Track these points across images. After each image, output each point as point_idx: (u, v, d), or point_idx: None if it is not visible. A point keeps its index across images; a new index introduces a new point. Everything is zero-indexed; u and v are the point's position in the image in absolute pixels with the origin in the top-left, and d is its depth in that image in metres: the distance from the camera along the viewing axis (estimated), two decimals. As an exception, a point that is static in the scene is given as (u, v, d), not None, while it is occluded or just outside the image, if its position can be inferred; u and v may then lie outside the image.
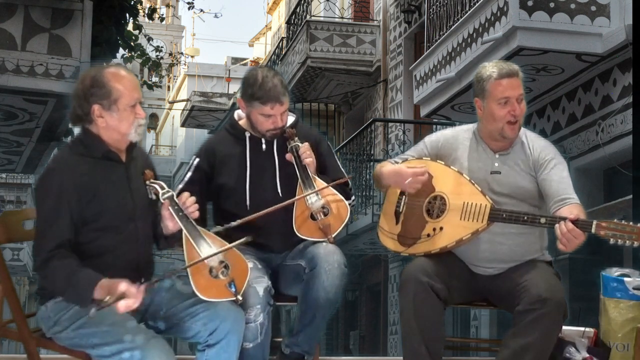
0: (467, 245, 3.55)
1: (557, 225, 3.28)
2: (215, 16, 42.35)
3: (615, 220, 3.24)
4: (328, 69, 14.83)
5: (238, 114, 3.72)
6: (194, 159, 3.66)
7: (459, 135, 3.71)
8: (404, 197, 3.67)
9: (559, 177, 3.51)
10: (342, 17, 16.41)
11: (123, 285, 2.84)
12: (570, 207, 3.37)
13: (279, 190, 3.58)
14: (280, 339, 3.57)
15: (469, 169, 3.60)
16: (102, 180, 3.07)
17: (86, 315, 2.90)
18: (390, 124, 13.81)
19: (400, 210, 3.66)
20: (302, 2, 15.76)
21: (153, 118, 36.50)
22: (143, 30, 12.21)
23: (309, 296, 3.38)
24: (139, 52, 12.42)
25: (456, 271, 3.56)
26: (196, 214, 3.16)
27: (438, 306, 3.44)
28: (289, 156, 3.55)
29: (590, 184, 8.91)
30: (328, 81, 15.37)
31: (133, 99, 3.09)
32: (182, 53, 24.08)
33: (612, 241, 3.22)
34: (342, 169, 3.76)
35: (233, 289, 3.07)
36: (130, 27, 11.62)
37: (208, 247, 3.10)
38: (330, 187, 3.53)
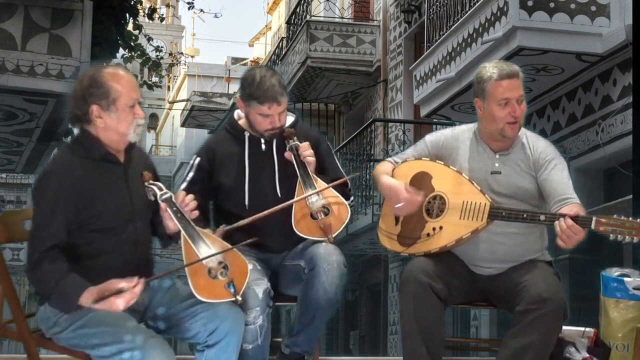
0: (467, 245, 3.55)
1: (556, 222, 3.29)
2: (215, 16, 42.43)
3: (614, 216, 3.24)
4: (328, 69, 14.83)
5: (238, 113, 3.71)
6: (195, 159, 3.65)
7: (460, 135, 3.71)
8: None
9: (559, 178, 3.51)
10: (342, 17, 16.41)
11: (117, 283, 2.84)
12: (571, 206, 3.38)
13: (278, 190, 3.57)
14: (280, 339, 3.57)
15: (469, 169, 3.60)
16: (100, 182, 3.07)
17: (86, 315, 2.90)
18: (390, 124, 13.81)
19: (400, 210, 3.66)
20: (302, 2, 15.76)
21: (153, 118, 36.50)
22: (143, 30, 12.21)
23: (309, 296, 3.38)
24: (139, 52, 12.43)
25: (456, 271, 3.56)
26: (195, 214, 3.16)
27: (438, 306, 3.44)
28: (288, 154, 3.55)
29: (590, 184, 8.91)
30: (328, 81, 15.37)
31: (131, 99, 3.08)
32: (182, 53, 24.08)
33: (612, 237, 3.23)
34: (342, 169, 3.75)
35: (232, 290, 3.06)
36: (130, 27, 11.62)
37: (207, 248, 3.10)
38: (330, 189, 3.52)
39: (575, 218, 3.26)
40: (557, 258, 4.34)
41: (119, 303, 2.85)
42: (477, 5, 8.83)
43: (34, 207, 3.06)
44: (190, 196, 3.18)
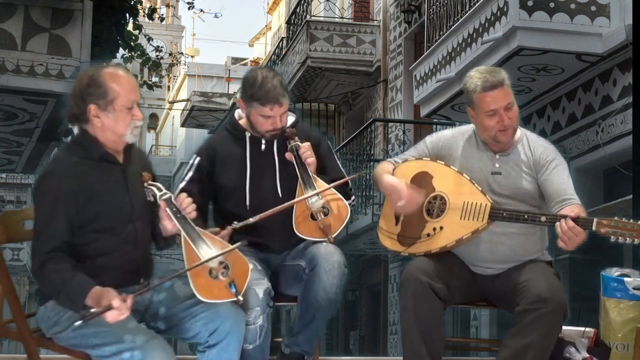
0: (467, 245, 3.54)
1: (557, 223, 3.28)
2: (215, 16, 42.43)
3: (615, 218, 3.24)
4: (328, 69, 14.83)
5: (238, 113, 3.71)
6: (195, 158, 3.65)
7: (460, 135, 3.71)
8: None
9: (559, 178, 3.51)
10: (342, 17, 16.41)
11: (111, 297, 2.82)
12: (571, 207, 3.37)
13: (279, 191, 3.57)
14: (280, 339, 3.57)
15: (469, 169, 3.59)
16: (99, 182, 3.06)
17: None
18: (390, 124, 13.81)
19: (400, 210, 3.66)
20: (302, 2, 15.76)
21: (153, 118, 36.50)
22: (143, 30, 12.21)
23: (309, 296, 3.38)
24: (139, 52, 12.43)
25: (456, 271, 3.56)
26: (194, 215, 3.15)
27: (438, 306, 3.44)
28: (288, 155, 3.55)
29: (590, 184, 8.91)
30: (328, 81, 15.37)
31: (130, 101, 3.08)
32: (182, 53, 24.09)
33: (612, 239, 3.22)
34: (342, 169, 3.75)
35: (233, 290, 3.06)
36: (130, 27, 11.63)
37: (207, 249, 3.09)
38: (331, 188, 3.52)
39: (576, 219, 3.26)
40: (557, 258, 4.34)
41: (107, 317, 2.81)
42: (477, 5, 8.83)
43: (34, 208, 3.06)
44: (189, 200, 3.17)
